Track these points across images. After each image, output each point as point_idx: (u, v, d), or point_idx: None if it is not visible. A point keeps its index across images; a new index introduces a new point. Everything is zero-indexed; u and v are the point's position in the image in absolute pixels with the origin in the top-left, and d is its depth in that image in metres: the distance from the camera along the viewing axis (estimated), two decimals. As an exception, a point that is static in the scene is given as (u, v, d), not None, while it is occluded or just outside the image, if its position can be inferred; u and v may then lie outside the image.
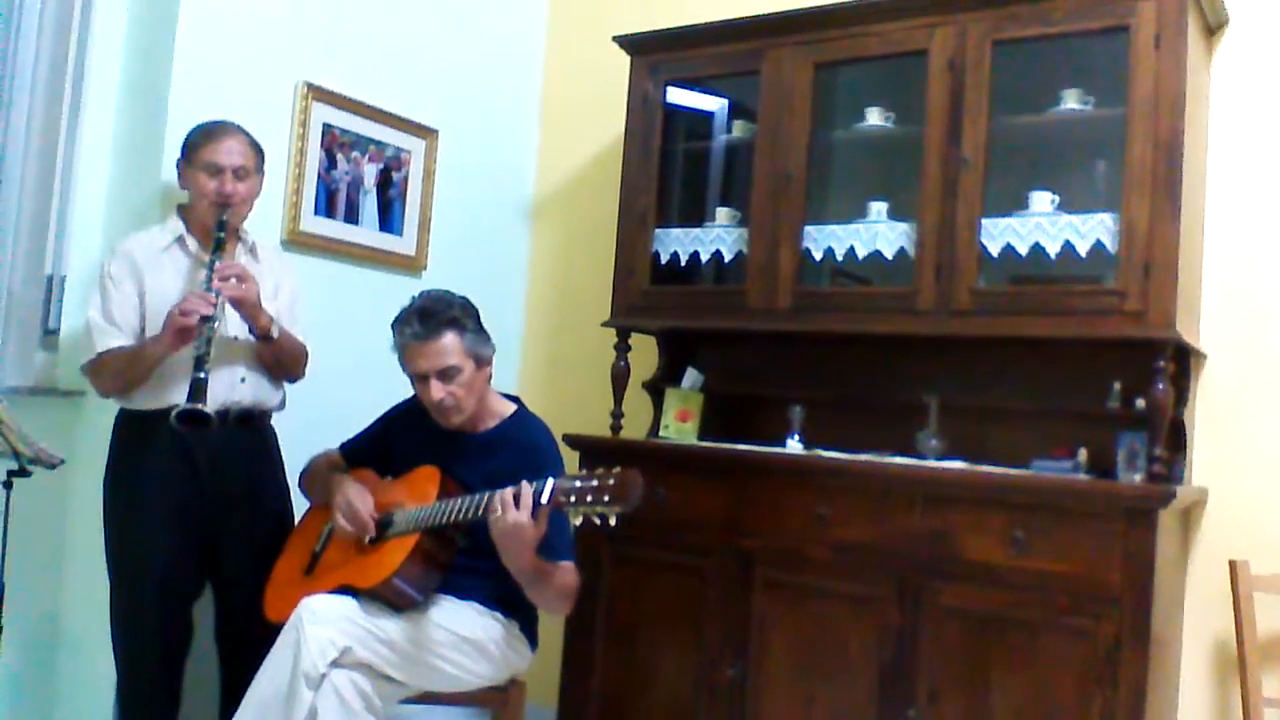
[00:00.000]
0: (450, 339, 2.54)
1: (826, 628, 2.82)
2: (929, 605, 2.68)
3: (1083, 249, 2.73)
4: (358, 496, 2.56)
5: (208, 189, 2.63)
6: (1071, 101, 2.83)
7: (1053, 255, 2.76)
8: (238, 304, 2.59)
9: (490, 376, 2.68)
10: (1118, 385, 2.82)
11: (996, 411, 3.00)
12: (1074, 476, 2.70)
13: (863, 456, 2.89)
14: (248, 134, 2.73)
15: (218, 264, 2.56)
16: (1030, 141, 2.97)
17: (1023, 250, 2.79)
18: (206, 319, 2.48)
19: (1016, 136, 2.91)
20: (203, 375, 2.46)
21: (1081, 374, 2.88)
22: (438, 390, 2.55)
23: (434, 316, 2.54)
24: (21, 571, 2.59)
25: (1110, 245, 2.68)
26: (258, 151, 2.74)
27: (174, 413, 2.44)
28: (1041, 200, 2.80)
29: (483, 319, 2.67)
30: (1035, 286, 2.79)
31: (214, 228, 2.62)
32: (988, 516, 2.62)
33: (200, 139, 2.66)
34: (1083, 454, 2.78)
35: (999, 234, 2.81)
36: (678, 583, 3.05)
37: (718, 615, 2.97)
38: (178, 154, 2.72)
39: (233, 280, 2.55)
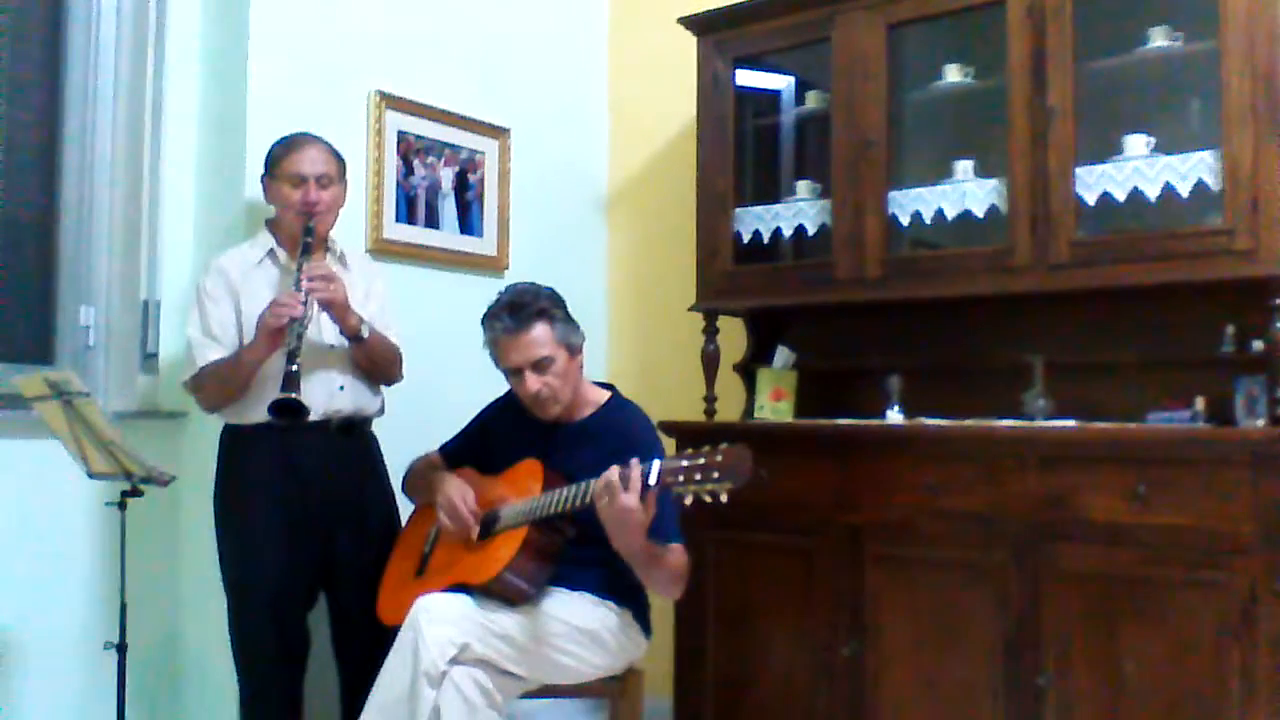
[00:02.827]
0: (541, 329, 2.53)
1: (944, 600, 2.75)
2: (1050, 569, 2.60)
3: (1184, 190, 2.63)
4: (458, 493, 2.56)
5: (292, 199, 2.66)
6: (1160, 39, 2.73)
7: (1152, 199, 2.67)
8: (326, 305, 2.60)
9: (582, 365, 2.66)
10: (1230, 329, 2.70)
11: (1104, 366, 2.91)
12: (1194, 426, 2.60)
13: (968, 422, 2.81)
14: (328, 143, 2.75)
15: (305, 266, 2.58)
16: (1119, 84, 2.87)
17: (1120, 197, 2.70)
18: (296, 319, 2.50)
19: (1105, 80, 2.81)
20: (294, 368, 2.48)
21: (1191, 320, 2.77)
22: (534, 382, 2.54)
23: (524, 308, 2.53)
24: (140, 590, 2.64)
25: (1213, 184, 2.58)
26: (339, 160, 2.77)
27: (269, 404, 2.46)
28: (1136, 143, 2.71)
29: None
30: (1137, 233, 2.69)
31: (301, 234, 2.64)
32: (1106, 474, 2.54)
33: (282, 151, 2.69)
34: (1199, 402, 2.68)
35: (1094, 182, 2.72)
36: (785, 564, 3.01)
37: (829, 594, 2.92)
38: (261, 170, 2.74)
39: (320, 281, 2.56)
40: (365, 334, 2.68)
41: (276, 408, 2.46)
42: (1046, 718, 2.59)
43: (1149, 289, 2.71)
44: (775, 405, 3.29)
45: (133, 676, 2.58)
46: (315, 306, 2.58)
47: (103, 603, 2.79)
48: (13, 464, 2.73)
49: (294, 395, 2.45)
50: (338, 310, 2.62)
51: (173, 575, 3.03)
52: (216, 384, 2.61)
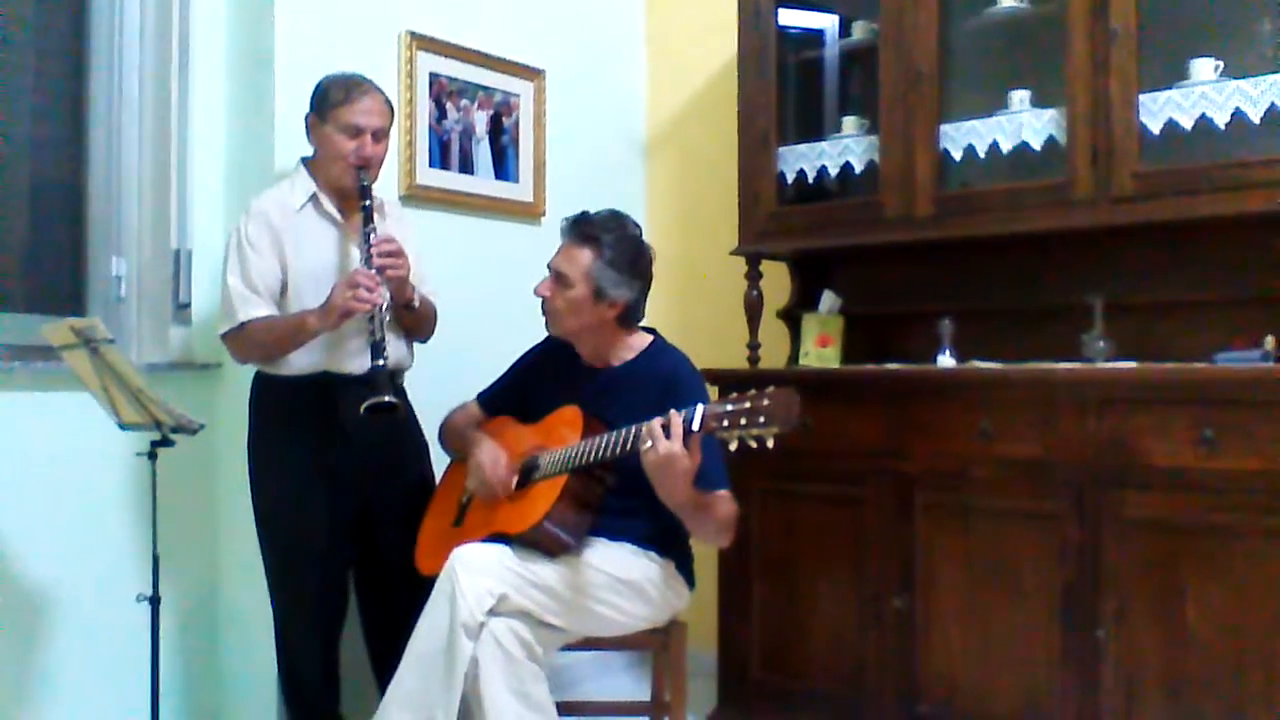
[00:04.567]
0: (582, 254, 2.46)
1: (999, 549, 2.66)
2: (1111, 517, 2.50)
3: (1255, 116, 2.50)
4: (490, 458, 2.49)
5: (346, 150, 2.55)
6: (1230, -45, 2.58)
7: (1221, 126, 2.54)
8: (392, 280, 2.53)
9: (615, 319, 2.54)
10: (1303, 263, 2.58)
11: (1168, 305, 2.79)
12: (1264, 366, 2.47)
13: (1024, 365, 2.70)
14: (383, 92, 2.64)
15: (373, 238, 2.50)
16: (1185, 4, 2.72)
17: (1187, 124, 2.57)
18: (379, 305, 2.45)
19: (1169, 1, 2.66)
20: (382, 363, 2.44)
21: (1260, 255, 2.63)
22: (544, 287, 2.51)
23: (585, 225, 2.49)
24: (176, 543, 2.60)
25: (1286, 108, 2.44)
26: (392, 111, 2.66)
27: (364, 407, 2.40)
28: (1204, 68, 2.57)
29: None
30: (1204, 163, 2.55)
31: (357, 194, 2.55)
32: (1171, 417, 2.42)
33: (340, 95, 2.56)
34: (1269, 341, 2.53)
35: (1159, 109, 2.59)
36: (833, 514, 2.93)
37: (879, 545, 2.84)
38: (292, 111, 2.65)
39: (389, 259, 2.49)
40: (417, 303, 2.63)
41: (371, 409, 2.40)
42: (1105, 671, 2.50)
43: (1217, 222, 2.58)
44: (821, 351, 3.19)
45: (168, 629, 2.56)
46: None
47: (137, 555, 2.76)
48: (45, 416, 2.69)
49: (389, 398, 2.41)
50: (400, 285, 2.55)
51: (209, 528, 3.00)
52: (262, 342, 2.54)
